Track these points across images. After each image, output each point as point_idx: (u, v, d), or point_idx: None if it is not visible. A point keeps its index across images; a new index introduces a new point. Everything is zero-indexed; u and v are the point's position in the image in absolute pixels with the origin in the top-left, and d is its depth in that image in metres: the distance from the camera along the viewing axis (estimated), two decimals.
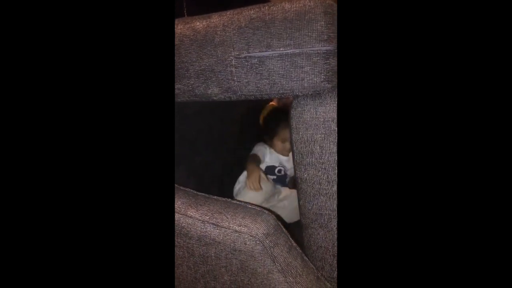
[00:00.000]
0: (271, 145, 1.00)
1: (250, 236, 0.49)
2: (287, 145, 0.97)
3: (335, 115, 0.45)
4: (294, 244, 0.53)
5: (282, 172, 0.99)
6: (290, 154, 1.02)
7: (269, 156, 0.98)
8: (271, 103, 1.31)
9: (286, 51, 0.43)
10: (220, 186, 1.00)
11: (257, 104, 1.20)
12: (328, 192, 0.48)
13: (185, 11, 1.29)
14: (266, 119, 1.01)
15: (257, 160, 0.95)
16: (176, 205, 0.57)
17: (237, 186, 0.96)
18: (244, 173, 0.96)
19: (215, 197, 0.60)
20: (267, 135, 1.00)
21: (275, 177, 0.98)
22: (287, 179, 1.02)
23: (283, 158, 1.00)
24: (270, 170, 0.98)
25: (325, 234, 0.51)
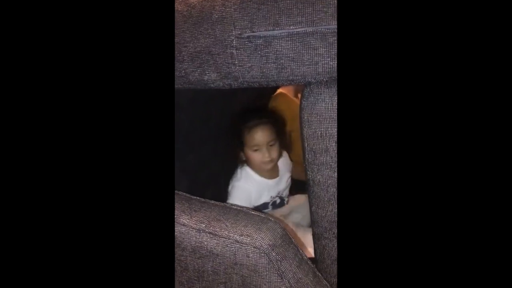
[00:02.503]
0: (248, 163, 0.81)
1: (254, 247, 0.46)
2: (261, 154, 0.76)
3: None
4: (305, 258, 0.50)
5: (278, 201, 0.82)
6: (280, 171, 0.83)
7: (256, 191, 0.78)
8: (279, 90, 1.24)
9: (296, 30, 0.40)
10: (217, 189, 0.95)
11: (263, 90, 1.13)
12: None
13: None
14: (228, 132, 0.82)
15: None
16: None
17: (232, 183, 0.82)
18: (244, 170, 0.81)
19: (212, 201, 0.57)
20: (239, 149, 0.81)
21: (270, 208, 0.82)
22: (285, 200, 0.86)
23: (271, 183, 0.79)
24: (263, 207, 0.81)
25: None
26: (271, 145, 0.76)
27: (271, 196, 0.79)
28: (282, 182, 0.83)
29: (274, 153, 0.77)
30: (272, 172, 0.80)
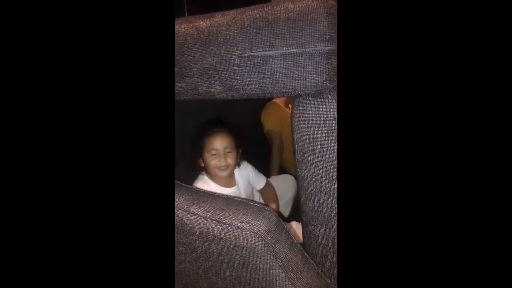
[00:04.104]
0: (205, 169, 0.81)
1: (252, 232, 0.50)
2: (217, 159, 0.76)
3: (336, 114, 0.46)
4: (295, 241, 0.54)
5: None
6: (237, 181, 0.82)
7: None
8: (273, 100, 1.31)
9: (288, 51, 0.44)
10: None
11: (259, 102, 1.19)
12: (328, 190, 0.49)
13: (185, 10, 1.29)
14: (191, 138, 0.81)
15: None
16: (179, 202, 0.57)
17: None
18: (201, 177, 0.82)
19: (217, 193, 0.60)
20: (198, 155, 0.80)
21: None
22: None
23: (226, 191, 0.78)
24: None
25: (326, 231, 0.51)
26: (228, 152, 0.77)
27: None
28: (241, 193, 0.82)
29: (231, 160, 0.78)
30: (228, 181, 0.81)
